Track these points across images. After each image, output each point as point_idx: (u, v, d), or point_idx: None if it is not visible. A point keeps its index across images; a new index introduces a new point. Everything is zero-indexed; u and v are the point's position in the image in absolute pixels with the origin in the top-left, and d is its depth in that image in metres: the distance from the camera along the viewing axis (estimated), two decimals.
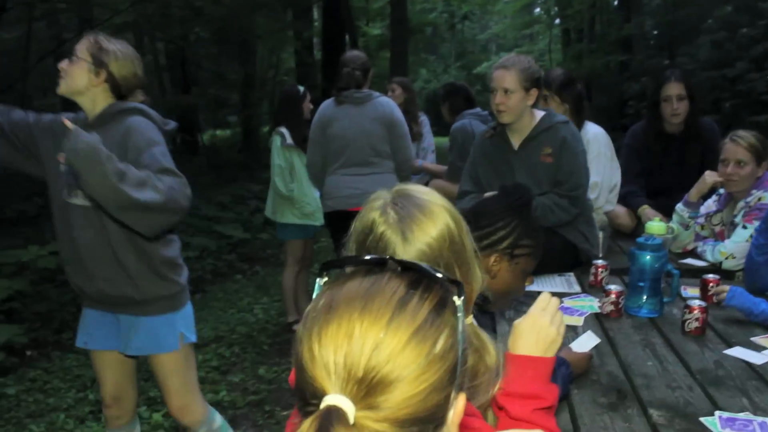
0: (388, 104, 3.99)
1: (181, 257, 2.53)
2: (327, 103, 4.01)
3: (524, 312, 1.48)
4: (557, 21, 27.21)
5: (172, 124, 2.50)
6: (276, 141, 4.63)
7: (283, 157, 4.58)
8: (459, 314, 0.81)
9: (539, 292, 1.53)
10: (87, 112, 2.36)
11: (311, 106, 4.67)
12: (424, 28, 18.94)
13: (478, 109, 4.59)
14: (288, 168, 4.56)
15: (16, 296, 5.08)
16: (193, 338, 2.56)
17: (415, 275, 0.83)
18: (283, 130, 4.60)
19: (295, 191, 4.56)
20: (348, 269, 0.89)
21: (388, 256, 0.87)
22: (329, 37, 13.96)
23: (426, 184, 5.00)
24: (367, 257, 0.88)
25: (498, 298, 1.96)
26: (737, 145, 3.08)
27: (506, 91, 3.03)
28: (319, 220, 4.61)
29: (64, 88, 2.31)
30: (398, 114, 3.98)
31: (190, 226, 6.81)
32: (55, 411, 3.81)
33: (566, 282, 2.94)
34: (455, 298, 0.82)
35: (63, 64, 2.29)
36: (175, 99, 12.22)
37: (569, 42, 23.10)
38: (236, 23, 10.61)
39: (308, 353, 0.76)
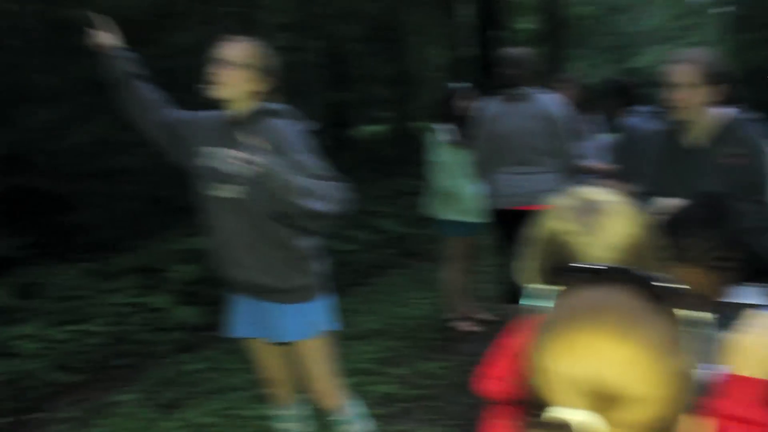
0: (552, 101, 3.93)
1: (322, 251, 2.67)
2: (491, 101, 4.01)
3: (731, 326, 1.39)
4: (719, 10, 25.57)
5: (314, 125, 2.64)
6: (436, 137, 4.67)
7: (444, 153, 4.61)
8: (698, 329, 0.79)
9: (746, 304, 1.43)
10: (233, 112, 2.51)
11: (470, 103, 4.67)
12: (579, 20, 18.32)
13: (648, 107, 4.40)
14: (448, 164, 4.59)
15: (194, 280, 5.47)
16: (331, 327, 2.69)
17: (652, 287, 0.79)
18: (443, 126, 4.63)
19: (456, 188, 4.58)
20: (578, 276, 0.85)
21: (627, 267, 0.84)
22: (482, 31, 13.88)
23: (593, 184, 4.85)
24: (604, 266, 0.85)
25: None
26: None
27: (686, 86, 2.83)
28: (479, 218, 4.60)
29: (222, 94, 2.45)
30: (562, 111, 3.90)
31: (352, 220, 7.01)
32: (233, 390, 4.07)
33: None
34: (696, 312, 0.80)
35: (218, 71, 2.42)
36: (329, 96, 12.61)
37: (737, 31, 21.57)
38: (391, 20, 10.79)
39: (550, 364, 0.75)
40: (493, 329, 4.79)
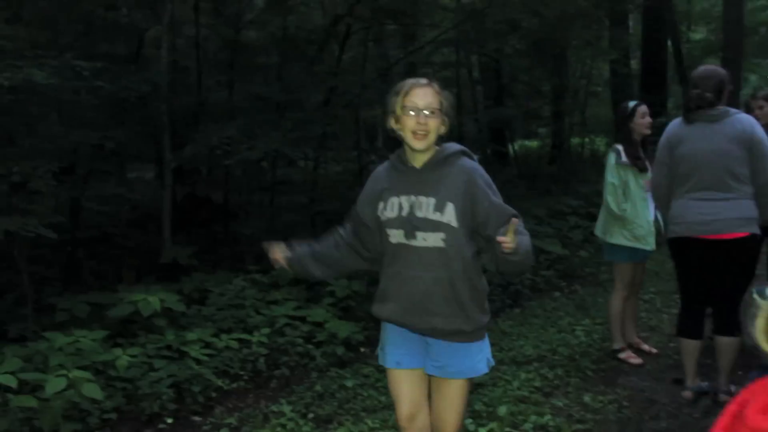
0: (749, 122, 3.58)
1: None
2: (675, 122, 3.76)
3: None
4: None
5: (480, 155, 2.68)
6: (610, 158, 4.47)
7: (617, 175, 4.39)
8: None
9: None
10: (416, 158, 2.47)
11: (649, 121, 4.43)
12: (758, 28, 16.96)
13: None
14: (621, 187, 4.36)
15: (353, 296, 5.54)
16: (492, 362, 2.66)
17: None
18: (618, 147, 4.43)
19: (628, 211, 4.34)
20: None
21: None
22: (649, 44, 13.19)
23: None
24: None
25: None
26: None
27: None
28: (650, 245, 4.35)
29: (426, 145, 2.44)
30: (760, 132, 3.55)
31: None
32: (388, 409, 4.02)
33: None
34: None
35: (424, 120, 2.39)
36: (489, 111, 12.49)
37: None
38: (552, 34, 10.51)
39: None
40: (658, 362, 4.49)
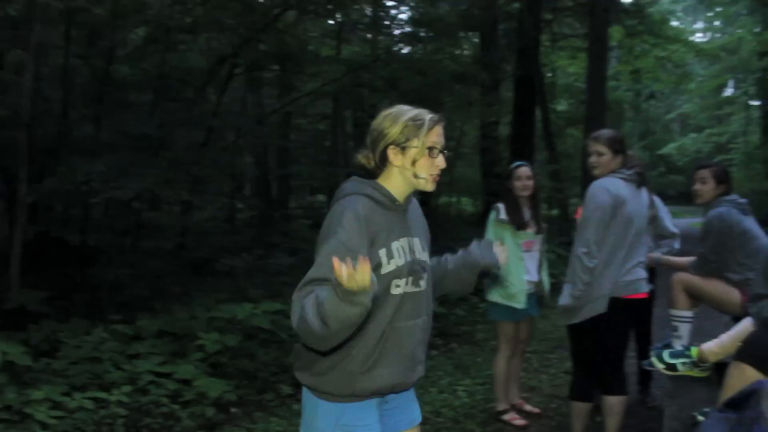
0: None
1: None
2: (615, 182, 3.53)
3: None
4: (755, 102, 25.56)
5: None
6: (491, 215, 4.48)
7: (494, 232, 4.39)
8: None
9: None
10: (402, 196, 2.20)
11: (525, 184, 4.42)
12: (612, 104, 18.37)
13: (735, 196, 4.10)
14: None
15: (224, 351, 5.15)
16: None
17: None
18: (499, 205, 4.45)
19: (506, 270, 4.32)
20: None
21: None
22: (520, 110, 13.84)
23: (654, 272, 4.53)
24: None
25: None
26: None
27: None
28: (521, 303, 4.34)
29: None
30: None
31: None
32: None
33: None
34: None
35: (444, 163, 2.19)
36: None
37: None
38: (431, 94, 10.75)
39: None
40: (541, 423, 4.45)
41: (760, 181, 20.27)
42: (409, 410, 2.29)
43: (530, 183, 4.45)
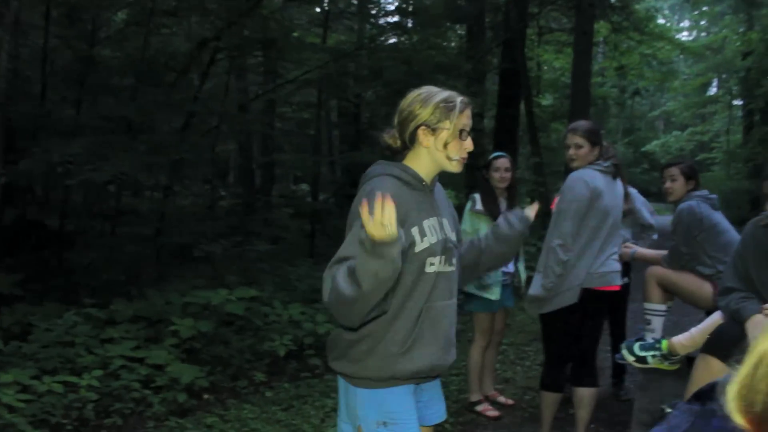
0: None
1: None
2: (592, 174, 3.51)
3: None
4: (738, 101, 25.78)
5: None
6: (467, 206, 4.48)
7: (469, 222, 4.39)
8: None
9: None
10: (429, 177, 2.21)
11: (502, 176, 4.41)
12: (596, 100, 18.45)
13: (705, 192, 4.12)
14: (473, 234, 4.33)
15: (198, 337, 5.12)
16: None
17: None
18: (476, 195, 4.45)
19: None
20: None
21: None
22: (504, 103, 13.84)
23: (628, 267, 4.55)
24: None
25: None
26: None
27: None
28: (495, 294, 4.36)
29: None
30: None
31: None
32: None
33: None
34: None
35: (471, 145, 2.20)
36: (345, 156, 12.48)
37: (752, 124, 21.71)
38: (413, 85, 10.73)
39: None
40: (514, 415, 4.47)
41: (740, 180, 20.42)
42: (437, 406, 2.32)
43: (508, 175, 4.44)
